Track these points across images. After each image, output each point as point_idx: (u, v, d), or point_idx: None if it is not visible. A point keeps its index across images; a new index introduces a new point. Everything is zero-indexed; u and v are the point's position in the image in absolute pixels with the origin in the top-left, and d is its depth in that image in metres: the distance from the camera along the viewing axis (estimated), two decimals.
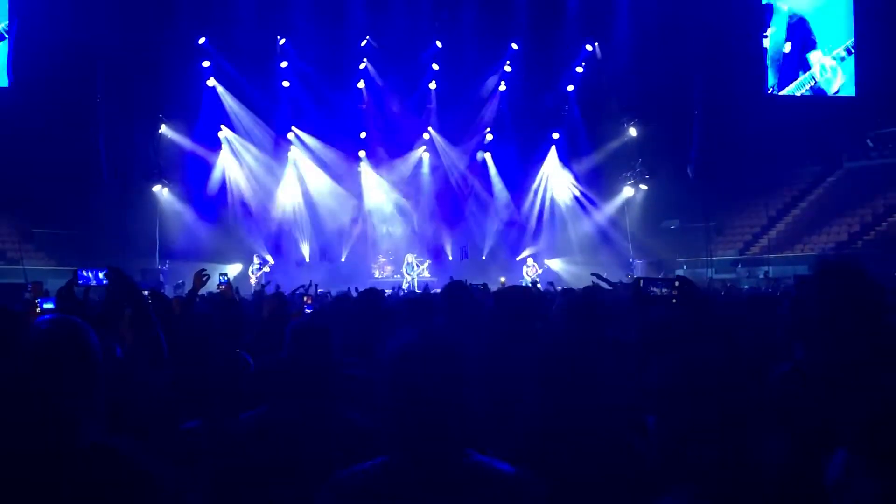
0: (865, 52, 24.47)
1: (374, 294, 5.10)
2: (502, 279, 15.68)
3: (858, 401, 1.76)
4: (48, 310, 4.06)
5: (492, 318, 4.22)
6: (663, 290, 4.29)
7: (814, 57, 25.13)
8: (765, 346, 3.50)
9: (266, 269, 20.95)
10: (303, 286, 14.02)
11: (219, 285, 9.27)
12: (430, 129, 24.65)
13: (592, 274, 8.30)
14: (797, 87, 25.14)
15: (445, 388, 1.85)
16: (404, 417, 1.86)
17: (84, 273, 3.53)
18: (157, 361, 3.23)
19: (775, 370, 2.63)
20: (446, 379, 1.87)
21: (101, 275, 3.45)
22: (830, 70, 24.99)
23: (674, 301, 4.08)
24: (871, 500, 1.54)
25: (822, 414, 2.30)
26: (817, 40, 25.13)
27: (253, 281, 20.09)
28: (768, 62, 25.08)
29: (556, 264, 24.13)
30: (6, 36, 20.96)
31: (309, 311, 7.20)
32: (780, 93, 24.96)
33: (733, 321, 4.24)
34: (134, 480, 1.88)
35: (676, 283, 4.08)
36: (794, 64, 25.17)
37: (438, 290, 6.38)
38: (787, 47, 25.01)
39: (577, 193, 25.21)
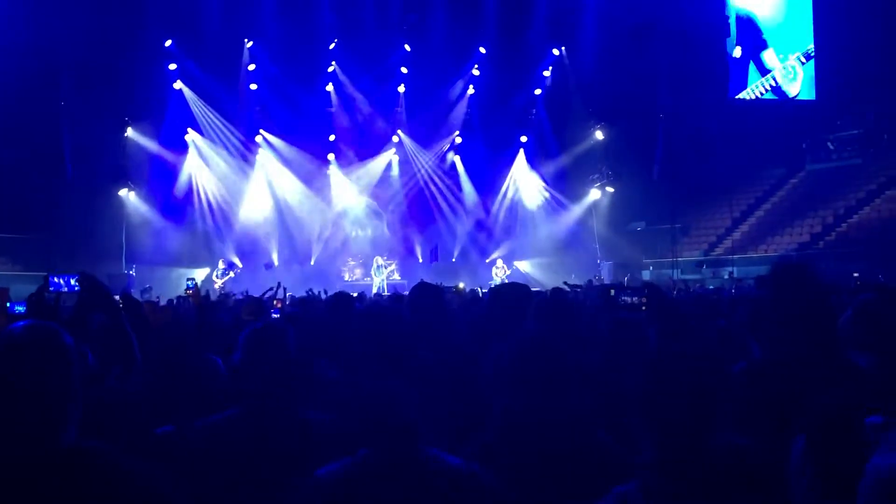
0: (825, 56, 24.99)
1: (343, 297, 5.15)
2: (461, 284, 15.66)
3: (814, 399, 1.89)
4: (20, 314, 4.05)
5: (486, 316, 4.28)
6: (633, 298, 4.40)
7: (768, 57, 25.55)
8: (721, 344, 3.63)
9: (231, 273, 20.77)
10: (271, 289, 13.99)
11: (186, 290, 9.25)
12: (399, 131, 24.69)
13: (564, 283, 8.44)
14: (752, 90, 25.52)
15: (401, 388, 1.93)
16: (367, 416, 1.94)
17: (55, 279, 3.54)
18: (129, 367, 3.25)
19: (734, 367, 2.74)
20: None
21: (72, 281, 3.47)
22: (791, 70, 25.43)
23: (643, 308, 4.19)
24: (817, 484, 1.67)
25: (778, 408, 2.42)
26: (777, 46, 25.60)
27: (218, 285, 19.94)
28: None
29: (525, 266, 24.30)
30: None
31: (276, 315, 7.19)
32: (737, 96, 25.35)
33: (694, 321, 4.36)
34: (118, 480, 1.91)
35: (646, 291, 4.20)
36: (745, 67, 25.57)
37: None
38: (738, 52, 25.44)
39: (546, 195, 25.41)
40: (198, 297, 8.06)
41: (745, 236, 24.66)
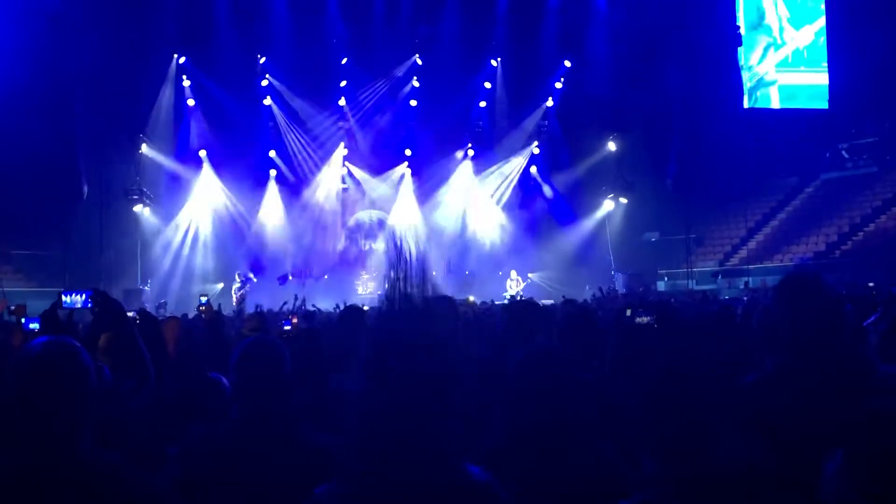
0: (838, 63, 24.89)
1: (354, 311, 5.16)
2: (470, 298, 15.62)
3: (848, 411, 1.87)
4: (34, 330, 4.09)
5: (502, 332, 4.28)
6: (647, 317, 4.36)
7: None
8: (733, 355, 3.61)
9: (247, 288, 20.84)
10: (286, 302, 14.06)
11: (199, 307, 9.32)
12: (412, 144, 24.76)
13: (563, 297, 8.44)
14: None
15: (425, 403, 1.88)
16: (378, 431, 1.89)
17: (68, 296, 3.56)
18: (142, 382, 3.27)
19: (745, 378, 2.72)
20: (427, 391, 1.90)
21: (83, 297, 3.49)
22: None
23: (655, 327, 4.17)
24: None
25: (791, 418, 2.40)
26: (792, 54, 25.56)
27: (234, 299, 20.02)
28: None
29: (538, 278, 24.23)
30: None
31: (287, 326, 7.23)
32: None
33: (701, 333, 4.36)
34: (129, 492, 1.98)
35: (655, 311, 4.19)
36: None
37: None
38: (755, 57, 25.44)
39: (557, 207, 25.41)
40: (210, 314, 8.13)
41: (761, 246, 24.52)
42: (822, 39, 25.39)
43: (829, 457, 1.87)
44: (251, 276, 22.00)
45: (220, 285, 22.18)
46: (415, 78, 24.09)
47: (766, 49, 25.55)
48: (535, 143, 25.29)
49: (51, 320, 3.56)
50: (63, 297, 3.64)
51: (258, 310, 10.91)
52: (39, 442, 1.93)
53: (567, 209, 25.32)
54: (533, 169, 25.63)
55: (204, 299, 9.58)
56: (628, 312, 4.49)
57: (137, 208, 22.03)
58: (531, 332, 3.83)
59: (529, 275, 23.76)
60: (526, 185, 25.71)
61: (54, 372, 1.98)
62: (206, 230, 23.26)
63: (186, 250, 22.68)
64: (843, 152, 25.45)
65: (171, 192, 23.08)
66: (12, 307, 9.53)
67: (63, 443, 1.95)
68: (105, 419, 2.71)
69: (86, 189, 21.31)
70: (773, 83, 25.59)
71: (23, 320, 5.46)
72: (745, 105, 25.36)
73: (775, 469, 2.02)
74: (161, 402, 3.43)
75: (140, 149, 22.15)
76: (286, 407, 2.76)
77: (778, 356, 2.66)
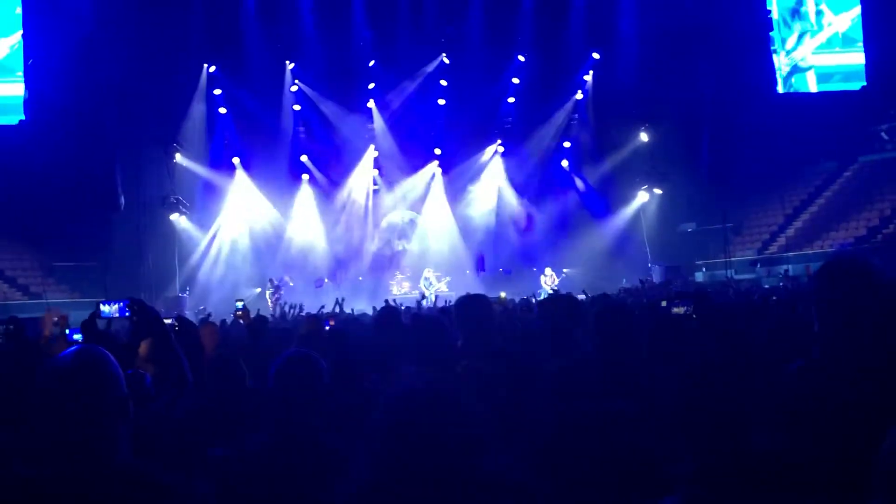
0: (874, 42, 24.35)
1: (390, 311, 5.16)
2: (502, 295, 15.54)
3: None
4: (77, 341, 4.15)
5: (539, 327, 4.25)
6: (684, 308, 4.28)
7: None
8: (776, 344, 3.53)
9: (282, 292, 21.02)
10: (323, 306, 14.14)
11: (236, 311, 9.40)
12: (441, 143, 24.77)
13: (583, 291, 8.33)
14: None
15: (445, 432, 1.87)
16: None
17: (106, 305, 3.60)
18: (181, 389, 3.29)
19: (791, 366, 2.65)
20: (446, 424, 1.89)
21: (120, 306, 3.52)
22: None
23: (693, 317, 4.09)
24: None
25: (836, 407, 2.32)
26: (829, 39, 25.06)
27: (270, 304, 20.19)
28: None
29: (573, 272, 24.05)
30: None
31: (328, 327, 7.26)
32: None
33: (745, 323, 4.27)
34: (165, 499, 1.98)
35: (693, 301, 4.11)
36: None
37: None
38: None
39: (591, 201, 25.24)
40: (247, 319, 8.18)
41: (800, 233, 24.08)
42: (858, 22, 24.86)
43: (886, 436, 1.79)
44: (287, 279, 22.17)
45: (258, 290, 22.40)
46: (443, 80, 24.07)
47: (801, 35, 25.09)
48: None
49: (90, 330, 3.60)
50: (101, 307, 3.68)
51: (299, 311, 11.01)
52: (73, 452, 1.93)
53: (600, 202, 25.14)
54: (564, 163, 25.49)
55: (240, 304, 9.66)
56: (664, 303, 4.42)
57: (174, 217, 22.34)
58: (566, 327, 3.79)
59: (564, 270, 23.63)
60: (558, 178, 25.56)
61: (82, 380, 1.98)
62: (241, 236, 23.54)
63: (223, 256, 22.98)
64: (882, 133, 24.86)
65: (205, 199, 23.40)
66: (56, 318, 9.72)
67: (97, 452, 1.96)
68: (144, 427, 2.74)
69: (122, 200, 21.66)
70: (809, 68, 25.11)
71: (66, 331, 5.56)
72: (781, 91, 24.89)
73: (819, 458, 1.97)
74: (201, 409, 3.45)
75: (174, 158, 22.48)
76: (322, 419, 2.79)
77: (825, 342, 2.57)
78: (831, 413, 2.28)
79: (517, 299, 13.41)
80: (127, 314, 3.36)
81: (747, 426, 1.89)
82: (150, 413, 3.14)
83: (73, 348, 2.12)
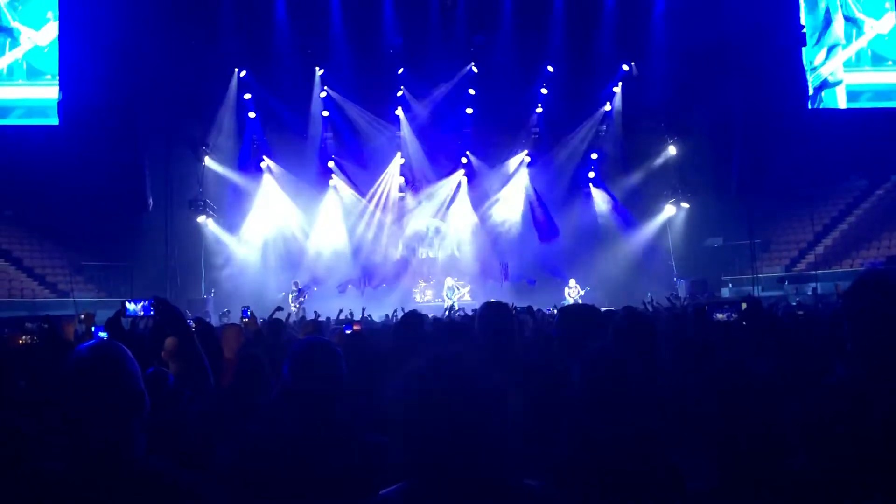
0: None
1: (415, 317, 5.13)
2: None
3: None
4: (102, 339, 4.20)
5: (557, 337, 4.20)
6: (730, 314, 4.21)
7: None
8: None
9: (305, 296, 21.11)
10: (341, 310, 14.20)
11: (242, 318, 9.40)
12: (468, 152, 24.80)
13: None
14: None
15: (467, 412, 1.83)
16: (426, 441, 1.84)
17: (131, 304, 3.64)
18: (202, 388, 3.31)
19: (816, 385, 2.60)
20: (466, 402, 1.84)
21: (143, 304, 3.56)
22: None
23: (743, 324, 4.01)
24: None
25: (864, 426, 2.27)
26: (858, 54, 24.71)
27: (294, 308, 20.28)
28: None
29: (598, 284, 23.90)
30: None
31: (349, 331, 7.27)
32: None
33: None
34: (186, 497, 1.99)
35: (744, 306, 4.02)
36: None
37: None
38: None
39: (617, 213, 25.10)
40: (254, 325, 8.20)
41: (829, 250, 23.74)
42: (888, 38, 24.49)
43: None
44: (314, 288, 22.26)
45: (282, 294, 22.51)
46: (471, 89, 24.09)
47: (830, 50, 24.77)
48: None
49: (115, 328, 3.64)
50: (127, 306, 3.72)
51: (316, 317, 11.03)
52: (89, 446, 1.95)
53: (627, 215, 25.00)
54: (591, 174, 25.40)
55: (245, 311, 9.63)
56: (706, 308, 4.35)
57: (201, 219, 22.55)
58: (586, 337, 3.73)
59: (586, 287, 23.48)
60: (585, 190, 25.47)
61: (97, 374, 2.00)
62: (267, 240, 23.70)
63: (249, 260, 23.13)
64: None
65: (233, 203, 23.60)
66: (82, 315, 9.83)
67: (113, 447, 1.97)
68: (164, 424, 2.74)
69: (151, 201, 21.91)
70: (838, 83, 24.77)
71: (92, 328, 5.63)
72: (810, 106, 24.58)
73: (846, 475, 1.93)
74: (220, 408, 3.46)
75: (203, 161, 22.72)
76: (342, 406, 2.73)
77: (853, 362, 2.52)
78: (863, 432, 2.23)
79: (545, 310, 13.37)
80: (151, 312, 3.39)
81: (780, 444, 1.85)
82: (171, 412, 3.16)
83: (90, 342, 2.14)
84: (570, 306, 4.87)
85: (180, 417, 3.05)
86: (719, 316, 4.17)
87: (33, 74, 21.87)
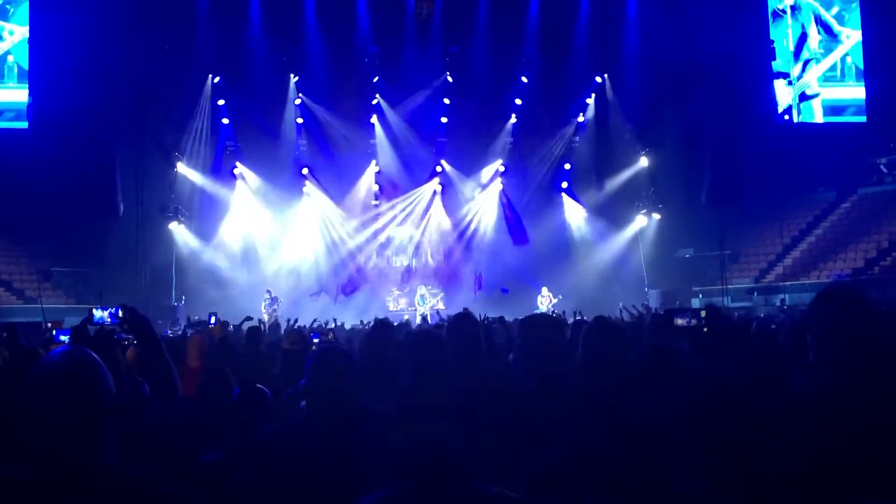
0: (875, 78, 24.46)
1: (384, 326, 5.14)
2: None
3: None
4: (63, 342, 4.17)
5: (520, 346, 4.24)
6: (691, 320, 4.29)
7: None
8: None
9: (277, 304, 20.99)
10: (315, 319, 14.16)
11: (209, 325, 9.34)
12: (442, 161, 24.85)
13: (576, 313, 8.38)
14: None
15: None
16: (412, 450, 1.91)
17: (98, 310, 3.62)
18: (170, 396, 3.29)
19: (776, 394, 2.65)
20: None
21: (110, 311, 3.54)
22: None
23: (704, 330, 4.09)
24: None
25: (830, 433, 2.32)
26: (831, 68, 25.07)
27: (266, 316, 20.14)
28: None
29: (570, 294, 23.99)
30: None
31: (316, 339, 7.29)
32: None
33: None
34: (149, 499, 1.99)
35: (703, 313, 4.10)
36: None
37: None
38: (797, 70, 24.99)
39: (585, 226, 25.30)
40: (220, 332, 8.16)
41: (797, 262, 24.11)
42: (859, 53, 24.91)
43: None
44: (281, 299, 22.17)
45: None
46: (446, 98, 24.17)
47: (805, 64, 25.12)
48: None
49: (81, 336, 3.61)
50: (94, 312, 3.70)
51: (293, 325, 10.98)
52: (58, 451, 1.94)
53: (599, 225, 25.18)
54: (564, 184, 25.57)
55: (212, 318, 9.56)
56: (665, 314, 4.42)
57: (173, 225, 22.35)
58: (549, 346, 3.77)
59: (559, 296, 23.59)
60: (557, 200, 25.63)
61: (67, 380, 1.99)
62: (240, 247, 23.51)
63: (222, 267, 22.92)
64: (881, 167, 24.99)
65: (205, 209, 23.40)
66: (49, 323, 9.71)
67: (81, 452, 1.96)
68: (134, 432, 2.73)
69: (122, 207, 21.69)
70: (815, 96, 25.07)
71: (54, 332, 5.57)
72: (795, 119, 24.72)
73: (814, 480, 1.97)
74: (190, 416, 3.44)
75: (175, 167, 22.51)
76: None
77: (814, 372, 2.58)
78: (832, 438, 2.29)
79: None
80: (117, 321, 3.38)
81: (761, 445, 1.89)
82: (140, 419, 3.15)
83: (59, 349, 2.13)
84: (531, 315, 4.92)
85: (156, 425, 3.05)
86: (679, 321, 4.26)
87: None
